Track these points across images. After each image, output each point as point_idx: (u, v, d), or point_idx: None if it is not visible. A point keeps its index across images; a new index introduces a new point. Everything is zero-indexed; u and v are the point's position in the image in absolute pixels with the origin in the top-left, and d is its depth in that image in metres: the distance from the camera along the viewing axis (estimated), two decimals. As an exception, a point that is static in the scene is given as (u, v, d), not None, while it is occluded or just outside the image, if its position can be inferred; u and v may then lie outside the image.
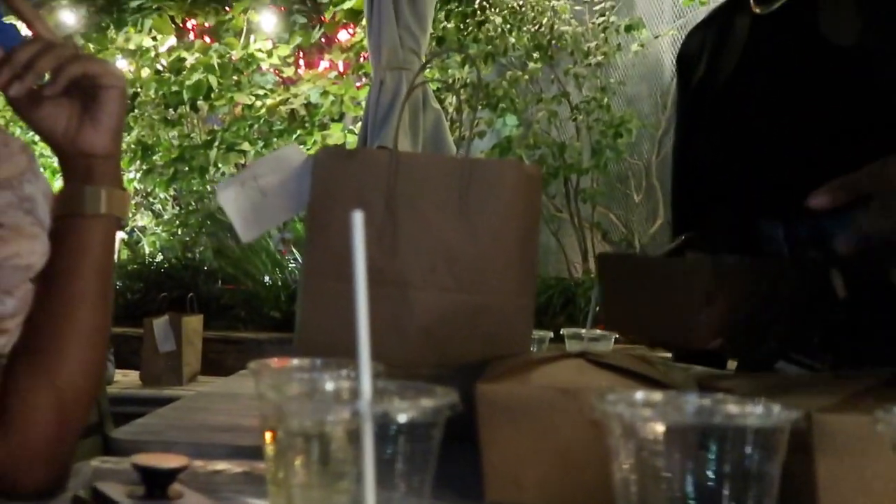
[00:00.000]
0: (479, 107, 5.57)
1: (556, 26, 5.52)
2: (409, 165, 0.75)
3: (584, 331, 1.22)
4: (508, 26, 5.49)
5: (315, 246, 0.75)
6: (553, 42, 5.55)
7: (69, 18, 5.17)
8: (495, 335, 0.75)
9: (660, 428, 0.36)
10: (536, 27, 5.52)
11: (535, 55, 5.63)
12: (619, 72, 5.98)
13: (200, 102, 5.23)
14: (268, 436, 0.45)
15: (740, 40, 0.97)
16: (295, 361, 0.56)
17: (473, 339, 0.75)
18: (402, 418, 0.34)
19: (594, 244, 6.01)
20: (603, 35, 5.55)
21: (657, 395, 0.41)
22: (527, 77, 5.64)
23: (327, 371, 0.53)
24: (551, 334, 1.16)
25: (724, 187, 0.97)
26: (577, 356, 0.65)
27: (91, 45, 5.23)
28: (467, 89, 5.52)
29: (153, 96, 5.35)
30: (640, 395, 0.41)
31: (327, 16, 4.93)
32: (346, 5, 4.81)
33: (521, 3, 5.45)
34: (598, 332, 1.24)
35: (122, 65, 5.41)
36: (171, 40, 5.26)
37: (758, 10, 0.96)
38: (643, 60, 6.01)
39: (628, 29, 5.52)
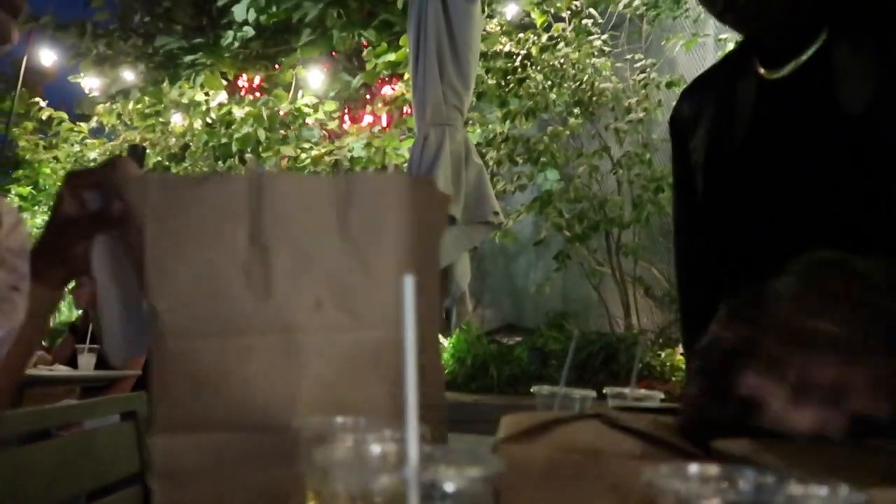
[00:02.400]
0: (520, 161, 5.63)
1: (596, 83, 5.58)
2: (274, 189, 0.61)
3: (627, 390, 1.19)
4: (549, 83, 5.57)
5: (164, 301, 0.60)
6: (594, 98, 5.61)
7: (129, 75, 5.43)
8: (399, 379, 0.58)
9: (718, 506, 0.34)
10: (577, 84, 5.59)
11: (576, 111, 5.69)
12: (661, 127, 5.98)
13: (248, 155, 5.40)
14: (310, 496, 0.44)
15: (747, 105, 0.91)
16: (339, 420, 0.55)
17: (379, 382, 0.61)
18: (450, 487, 0.34)
19: (636, 299, 5.91)
20: (644, 91, 5.58)
21: (712, 469, 0.40)
22: (568, 132, 5.69)
23: (372, 432, 0.52)
24: (594, 394, 1.13)
25: (739, 257, 0.92)
26: (594, 417, 0.63)
27: (147, 99, 5.48)
28: (508, 144, 5.58)
29: (203, 148, 5.54)
30: (693, 468, 0.39)
31: (368, 66, 5.08)
32: (388, 57, 4.95)
33: (561, 61, 5.54)
34: (643, 391, 1.21)
35: (176, 118, 5.64)
36: (223, 95, 5.48)
37: (765, 75, 0.92)
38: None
39: (669, 85, 5.55)
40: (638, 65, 5.69)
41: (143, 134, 6.02)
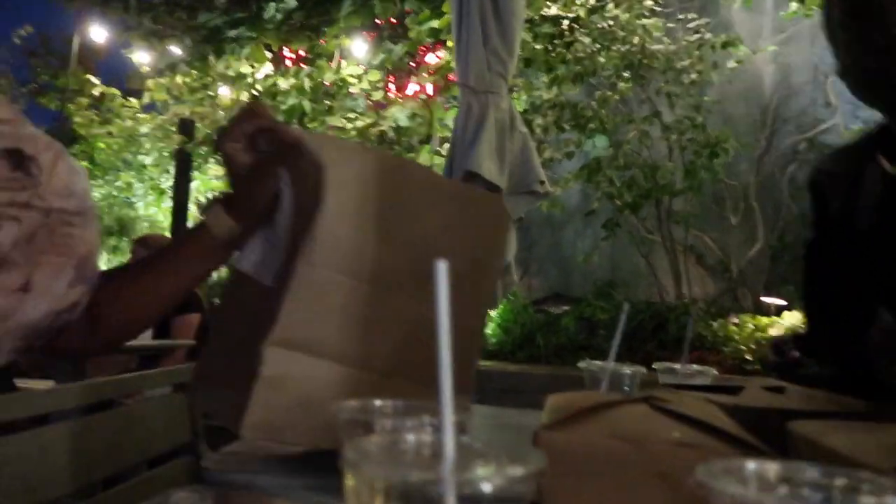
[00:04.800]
0: (568, 128, 5.51)
1: (647, 45, 5.39)
2: (411, 170, 0.77)
3: (679, 366, 1.15)
4: (598, 46, 5.41)
5: (321, 231, 0.70)
6: (644, 61, 5.43)
7: (176, 50, 5.50)
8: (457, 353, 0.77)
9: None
10: (627, 46, 5.41)
11: (626, 75, 5.53)
12: (715, 90, 5.77)
13: (295, 126, 5.43)
14: (348, 478, 0.44)
15: (872, 195, 0.97)
16: (378, 403, 0.55)
17: (426, 355, 0.77)
18: (487, 488, 0.32)
19: (687, 267, 5.79)
20: (697, 53, 5.38)
21: (772, 468, 0.37)
22: (617, 97, 5.54)
23: (409, 417, 0.51)
24: (643, 370, 1.10)
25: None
26: (641, 401, 0.61)
27: (195, 73, 5.55)
28: (555, 110, 5.47)
29: (251, 121, 5.58)
30: (750, 466, 0.37)
31: (412, 34, 5.02)
32: (431, 24, 4.88)
33: (610, 23, 5.36)
34: (695, 367, 1.17)
35: (223, 91, 5.70)
36: (268, 67, 5.50)
37: (889, 170, 0.94)
38: (741, 78, 5.78)
39: (725, 45, 5.32)
40: (691, 25, 5.48)
41: (192, 108, 6.11)
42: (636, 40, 5.38)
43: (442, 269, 0.41)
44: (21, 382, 3.41)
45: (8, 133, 0.66)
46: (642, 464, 0.49)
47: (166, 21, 5.47)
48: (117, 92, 7.15)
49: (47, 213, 0.67)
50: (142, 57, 5.69)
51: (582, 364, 1.17)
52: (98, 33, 5.28)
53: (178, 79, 5.67)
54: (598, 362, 1.12)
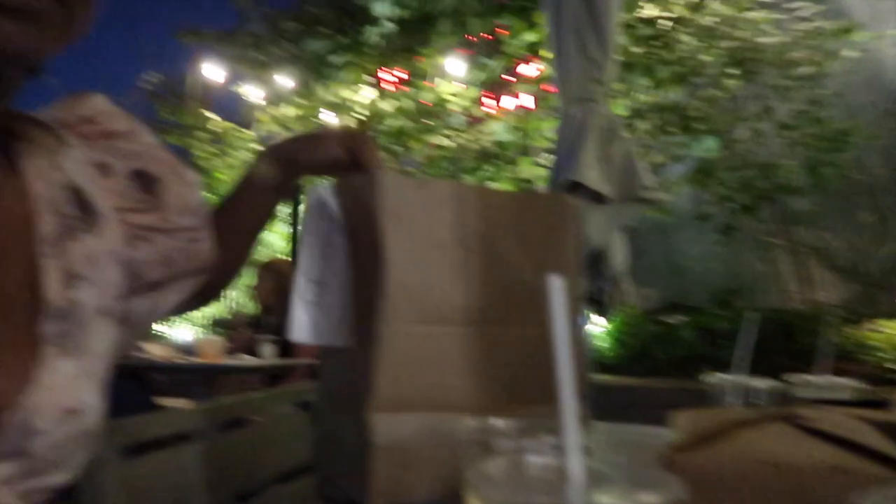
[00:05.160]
0: (673, 130, 5.32)
1: (755, 39, 5.12)
2: (475, 197, 0.72)
3: (817, 378, 1.07)
4: (700, 44, 5.20)
5: (392, 286, 0.67)
6: (752, 56, 5.15)
7: (283, 79, 5.78)
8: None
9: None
10: (733, 42, 5.16)
11: (733, 71, 5.27)
12: (834, 81, 5.39)
13: (397, 147, 5.56)
14: (471, 501, 0.43)
15: None
16: (500, 423, 0.54)
17: (548, 372, 0.72)
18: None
19: (815, 271, 5.41)
20: (813, 43, 5.04)
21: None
22: (724, 95, 5.28)
23: (529, 437, 0.50)
24: (776, 383, 1.02)
25: None
26: (782, 418, 0.56)
27: (301, 102, 5.81)
28: (659, 113, 5.29)
29: (355, 146, 5.78)
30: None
31: (507, 49, 5.03)
32: (526, 38, 4.87)
33: (716, 19, 5.14)
34: (835, 379, 1.08)
35: (329, 117, 5.93)
36: (369, 91, 5.68)
37: None
38: (863, 65, 5.37)
39: (843, 33, 4.95)
40: (803, 14, 5.15)
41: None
42: (742, 34, 5.12)
43: (556, 284, 0.40)
44: (162, 401, 3.66)
45: (133, 152, 0.67)
46: (789, 491, 0.45)
47: (274, 53, 5.78)
48: (231, 125, 7.61)
49: (175, 232, 0.69)
50: (251, 90, 6.01)
51: (708, 378, 1.12)
52: (212, 70, 5.64)
53: (286, 109, 5.96)
54: (725, 375, 1.06)
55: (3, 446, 0.49)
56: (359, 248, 0.72)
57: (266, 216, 0.87)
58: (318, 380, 0.85)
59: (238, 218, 0.85)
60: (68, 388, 0.54)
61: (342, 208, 0.74)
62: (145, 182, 0.67)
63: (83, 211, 0.60)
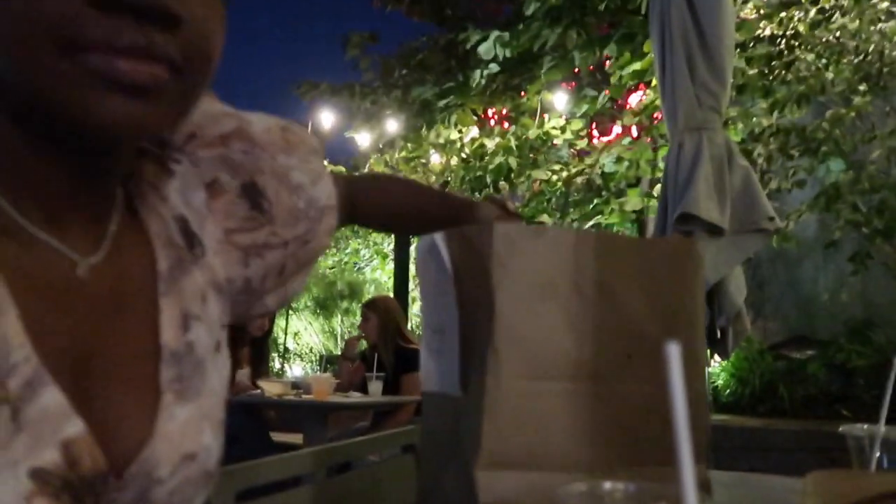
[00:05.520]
0: (796, 154, 5.00)
1: (886, 52, 4.76)
2: (594, 245, 0.67)
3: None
4: (824, 61, 4.89)
5: (501, 338, 0.64)
6: (884, 70, 4.78)
7: (392, 126, 5.98)
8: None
9: None
10: (861, 57, 4.82)
11: (862, 87, 4.90)
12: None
13: (502, 183, 5.58)
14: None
15: None
16: (607, 486, 0.50)
17: (662, 430, 0.63)
18: None
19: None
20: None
21: None
22: (852, 113, 4.92)
23: (643, 502, 0.46)
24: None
25: None
26: None
27: (409, 145, 5.97)
28: (779, 136, 5.00)
29: (460, 182, 5.86)
30: None
31: (613, 79, 4.94)
32: (633, 67, 4.77)
33: (837, 34, 4.83)
34: None
35: (435, 158, 6.06)
36: (474, 131, 5.76)
37: None
38: None
39: None
40: (941, 22, 4.74)
41: (407, 176, 6.58)
42: (871, 48, 4.77)
43: (674, 352, 0.36)
44: (275, 436, 3.80)
45: (239, 162, 0.65)
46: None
47: (383, 102, 6.01)
48: (343, 169, 7.94)
49: (285, 245, 0.68)
50: (363, 137, 6.27)
51: (844, 428, 1.01)
52: (327, 118, 5.93)
53: (396, 153, 6.15)
54: (864, 426, 0.95)
55: (124, 497, 0.50)
56: (469, 297, 0.69)
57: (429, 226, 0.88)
58: (423, 424, 0.84)
59: (418, 213, 0.91)
60: (187, 433, 0.54)
61: (452, 256, 0.72)
62: (253, 195, 0.65)
63: (189, 243, 0.60)
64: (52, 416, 0.45)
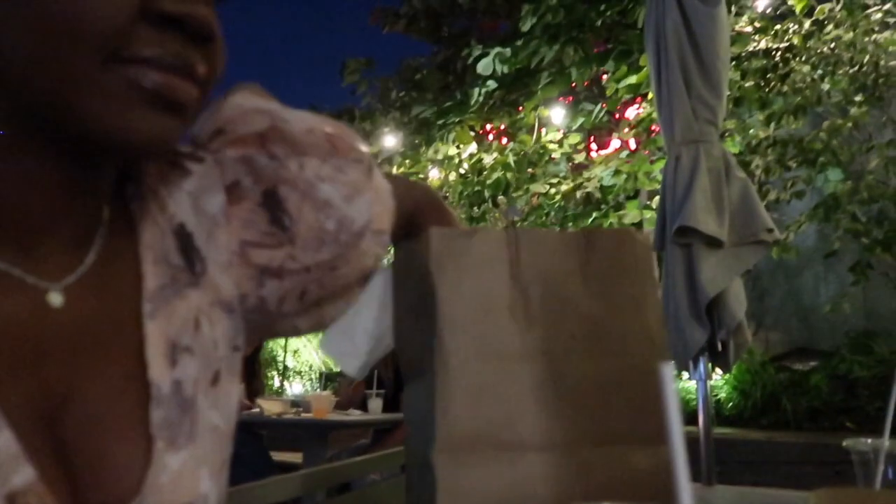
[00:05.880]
0: (794, 165, 5.01)
1: (882, 62, 4.78)
2: (529, 238, 0.72)
3: None
4: (819, 73, 4.91)
5: (444, 326, 0.67)
6: (879, 80, 4.80)
7: (390, 142, 6.01)
8: (644, 401, 0.68)
9: None
10: (856, 67, 4.84)
11: (858, 98, 4.93)
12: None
13: (500, 198, 5.59)
14: None
15: None
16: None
17: (628, 410, 0.69)
18: None
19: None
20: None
21: None
22: (849, 124, 4.94)
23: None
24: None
25: None
26: None
27: (407, 161, 5.99)
28: (776, 148, 5.01)
29: (459, 197, 5.87)
30: None
31: (609, 92, 4.96)
32: (629, 80, 4.79)
33: (832, 45, 4.85)
34: None
35: (433, 173, 6.08)
36: (472, 146, 5.78)
37: None
38: None
39: None
40: (935, 32, 4.77)
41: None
42: (867, 59, 4.79)
43: (668, 372, 0.35)
44: (274, 454, 3.77)
45: (263, 165, 0.57)
46: None
47: (382, 122, 6.06)
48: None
49: (306, 270, 0.59)
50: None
51: (848, 442, 0.99)
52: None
53: (394, 169, 6.17)
54: (868, 440, 0.93)
55: None
56: (414, 301, 0.72)
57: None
58: (405, 445, 0.83)
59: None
60: (181, 484, 0.48)
61: (397, 265, 0.75)
62: (273, 206, 0.57)
63: (188, 260, 0.54)
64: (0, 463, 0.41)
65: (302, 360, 10.01)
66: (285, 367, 9.63)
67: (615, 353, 0.70)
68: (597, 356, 0.70)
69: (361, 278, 0.65)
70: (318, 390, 7.30)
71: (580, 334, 0.70)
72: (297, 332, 0.67)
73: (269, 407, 3.48)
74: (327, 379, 8.35)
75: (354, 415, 3.62)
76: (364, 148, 0.63)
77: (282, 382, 9.47)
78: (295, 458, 3.50)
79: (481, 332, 0.68)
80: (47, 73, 0.42)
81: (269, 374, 9.09)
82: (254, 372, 4.05)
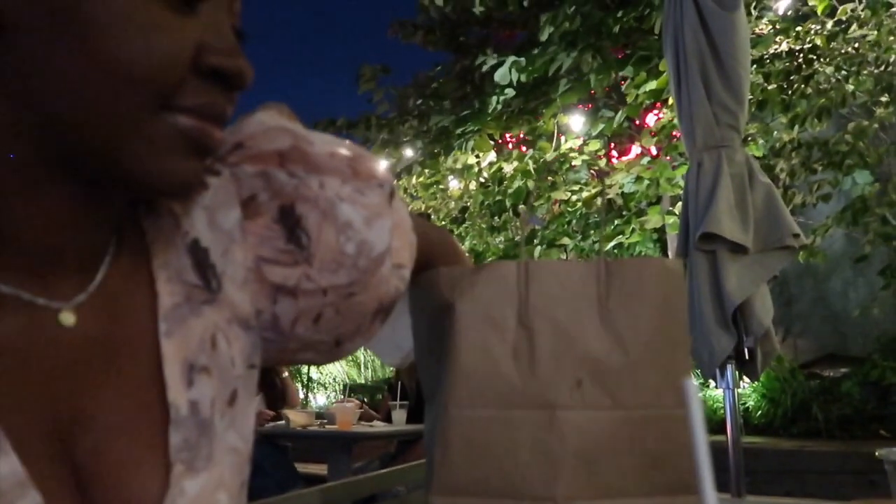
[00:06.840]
0: (819, 168, 4.94)
1: (906, 61, 4.69)
2: (540, 273, 0.68)
3: None
4: (843, 73, 4.83)
5: (450, 371, 0.66)
6: (904, 80, 4.72)
7: (409, 152, 6.03)
8: (659, 455, 0.65)
9: None
10: (882, 67, 4.76)
11: (884, 99, 4.84)
12: None
13: (521, 207, 5.57)
14: None
15: None
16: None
17: (636, 462, 0.65)
18: None
19: None
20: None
21: None
22: (875, 125, 4.86)
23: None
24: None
25: None
26: None
27: (426, 171, 6.00)
28: (801, 151, 4.94)
29: (480, 207, 5.86)
30: None
31: (629, 98, 4.92)
32: (649, 86, 4.76)
33: (856, 45, 4.78)
34: None
35: (453, 183, 6.08)
36: (492, 155, 5.77)
37: None
38: None
39: None
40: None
41: (427, 202, 6.59)
42: (893, 59, 4.71)
43: (691, 388, 0.35)
44: (299, 466, 3.78)
45: (283, 183, 0.56)
46: None
47: (400, 131, 6.07)
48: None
49: (323, 292, 0.57)
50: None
51: (882, 452, 0.97)
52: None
53: (413, 179, 6.18)
54: (904, 451, 0.91)
55: None
56: (431, 340, 0.72)
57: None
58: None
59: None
60: None
61: (413, 304, 0.75)
62: (290, 223, 0.55)
63: (204, 277, 0.53)
64: (4, 489, 0.40)
65: (326, 372, 10.05)
66: (309, 380, 9.68)
67: (626, 402, 0.65)
68: (605, 405, 0.65)
69: (379, 310, 0.61)
70: (343, 398, 7.32)
71: (588, 379, 0.66)
72: (313, 361, 0.65)
73: (294, 418, 3.50)
74: (351, 390, 8.36)
75: (378, 426, 3.62)
76: (386, 175, 0.61)
77: (306, 394, 9.51)
78: (321, 469, 3.50)
79: (484, 378, 0.66)
80: (100, 116, 0.42)
81: (277, 382, 9.14)
82: (270, 382, 4.07)
